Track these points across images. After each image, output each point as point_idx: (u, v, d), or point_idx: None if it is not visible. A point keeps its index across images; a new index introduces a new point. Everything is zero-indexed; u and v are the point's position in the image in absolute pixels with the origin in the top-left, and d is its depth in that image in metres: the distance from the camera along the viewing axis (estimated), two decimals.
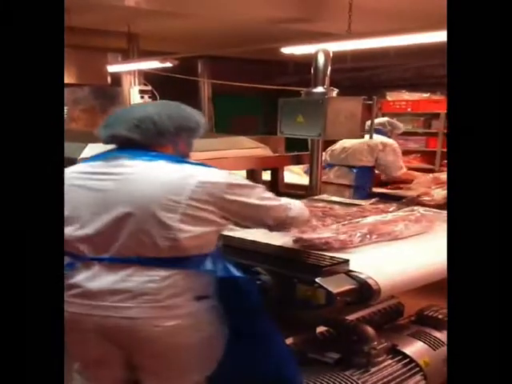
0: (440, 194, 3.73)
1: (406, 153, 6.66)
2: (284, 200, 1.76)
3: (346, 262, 1.70)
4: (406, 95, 6.76)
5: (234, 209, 1.60)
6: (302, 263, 1.70)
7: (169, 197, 1.53)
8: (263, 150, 3.02)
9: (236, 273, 1.63)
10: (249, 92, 6.45)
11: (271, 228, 1.76)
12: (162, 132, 1.65)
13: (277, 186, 3.20)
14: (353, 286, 1.62)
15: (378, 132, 4.49)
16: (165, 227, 1.53)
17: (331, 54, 2.95)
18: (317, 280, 1.58)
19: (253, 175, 3.24)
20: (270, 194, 1.72)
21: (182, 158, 1.71)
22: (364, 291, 1.63)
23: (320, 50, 2.92)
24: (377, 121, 4.61)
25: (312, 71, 2.96)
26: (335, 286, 1.58)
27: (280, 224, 1.74)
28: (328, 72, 2.93)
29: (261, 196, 1.67)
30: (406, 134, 6.70)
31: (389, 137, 4.49)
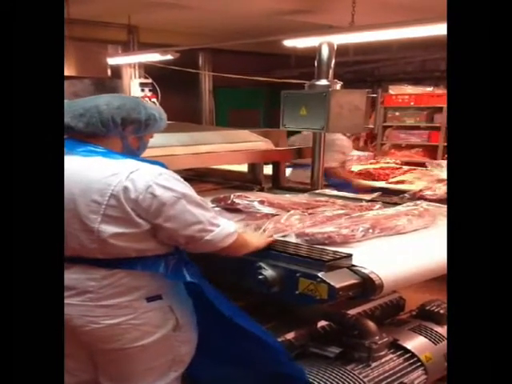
0: (442, 188, 3.72)
1: (408, 147, 6.64)
2: (218, 221, 1.59)
3: (349, 256, 1.69)
4: (409, 89, 6.73)
5: (149, 215, 1.51)
6: (305, 258, 1.68)
7: (93, 197, 1.49)
8: (265, 144, 2.99)
9: (188, 277, 1.59)
10: (250, 85, 6.43)
11: (183, 246, 1.60)
12: (105, 121, 1.58)
13: (278, 180, 3.18)
14: (355, 281, 1.61)
15: None
16: (88, 230, 1.51)
17: (335, 47, 2.92)
18: (319, 275, 1.57)
19: (254, 169, 3.22)
20: (198, 210, 1.53)
21: (131, 153, 1.65)
22: (367, 286, 1.61)
23: (324, 43, 2.89)
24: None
25: (316, 64, 2.93)
26: (338, 280, 1.56)
27: (191, 245, 1.57)
28: (332, 65, 2.90)
29: (184, 208, 1.51)
30: (408, 127, 6.69)
31: None
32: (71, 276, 1.54)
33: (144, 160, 1.62)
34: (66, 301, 1.48)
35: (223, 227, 1.58)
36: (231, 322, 1.64)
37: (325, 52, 2.88)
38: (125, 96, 1.71)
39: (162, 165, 1.60)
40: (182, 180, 1.58)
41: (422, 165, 5.37)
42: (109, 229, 1.50)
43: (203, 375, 1.88)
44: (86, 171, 1.53)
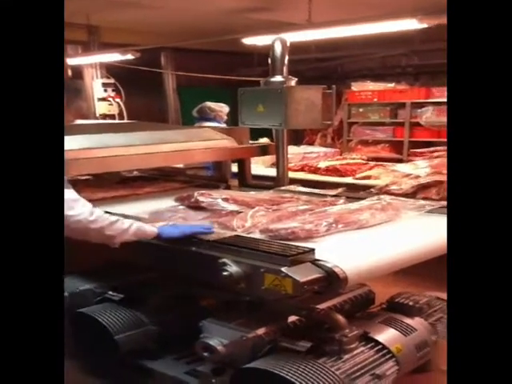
0: (408, 183, 3.76)
1: (374, 143, 6.72)
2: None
3: (312, 251, 1.69)
4: (372, 85, 6.80)
5: None
6: (269, 253, 1.68)
7: None
8: (228, 142, 2.98)
9: None
10: (214, 83, 6.40)
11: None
12: None
13: (244, 178, 3.16)
14: (319, 275, 1.61)
15: (206, 119, 4.48)
16: None
17: (288, 43, 2.90)
18: (283, 269, 1.57)
19: (219, 167, 3.20)
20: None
21: None
22: (331, 279, 1.61)
23: (277, 39, 2.88)
24: (196, 109, 4.61)
25: (270, 60, 2.91)
26: (302, 274, 1.56)
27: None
28: (286, 61, 2.88)
29: None
30: (373, 124, 6.76)
31: (219, 122, 4.40)
32: None
33: None
34: None
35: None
36: None
37: (278, 48, 2.86)
38: None
39: None
40: None
41: (389, 160, 5.44)
42: None
43: None
44: None
